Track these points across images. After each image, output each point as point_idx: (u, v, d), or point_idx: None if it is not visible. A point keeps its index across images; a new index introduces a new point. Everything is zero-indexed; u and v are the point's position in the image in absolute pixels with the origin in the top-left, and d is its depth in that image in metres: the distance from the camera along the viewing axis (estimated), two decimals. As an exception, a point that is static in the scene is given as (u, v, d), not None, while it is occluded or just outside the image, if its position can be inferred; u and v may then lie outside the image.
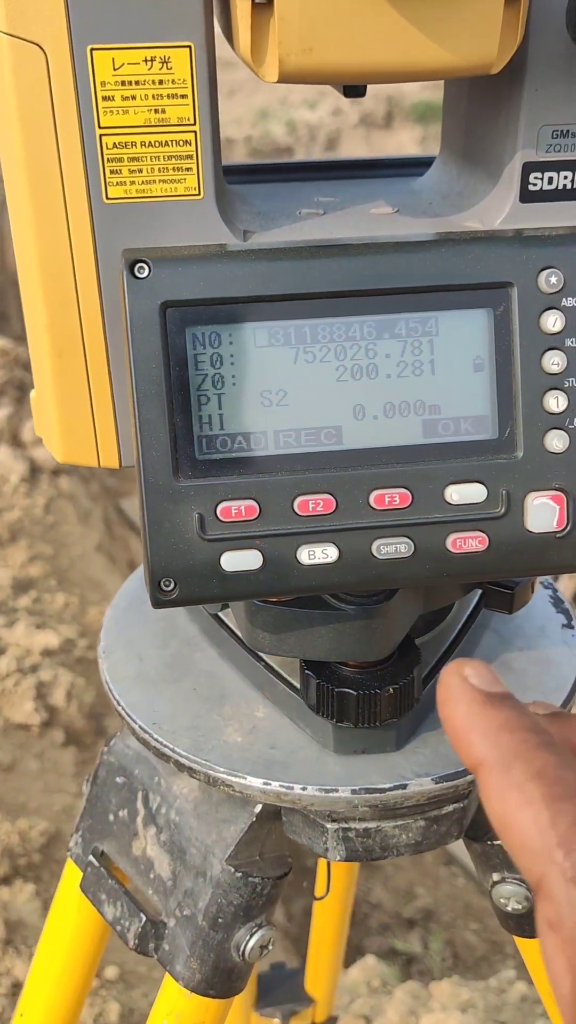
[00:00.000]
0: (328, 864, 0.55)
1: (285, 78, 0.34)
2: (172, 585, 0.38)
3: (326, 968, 0.94)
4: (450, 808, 0.47)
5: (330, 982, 0.95)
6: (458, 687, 0.28)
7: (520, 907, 0.51)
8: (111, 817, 0.53)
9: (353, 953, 1.54)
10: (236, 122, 4.05)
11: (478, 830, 0.51)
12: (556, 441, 0.38)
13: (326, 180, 0.49)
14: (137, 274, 0.36)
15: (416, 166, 0.49)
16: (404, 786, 0.44)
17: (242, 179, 0.49)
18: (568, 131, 0.39)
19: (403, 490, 0.38)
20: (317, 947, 0.93)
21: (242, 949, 0.48)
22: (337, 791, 0.44)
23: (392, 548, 0.38)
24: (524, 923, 0.53)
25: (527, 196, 0.40)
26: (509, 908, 0.51)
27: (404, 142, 4.05)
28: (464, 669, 0.28)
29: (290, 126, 4.06)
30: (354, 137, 4.06)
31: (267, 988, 0.96)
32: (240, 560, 0.38)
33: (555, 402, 0.38)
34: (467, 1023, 1.33)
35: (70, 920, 0.56)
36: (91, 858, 0.54)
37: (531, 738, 0.25)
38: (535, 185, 0.39)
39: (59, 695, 1.75)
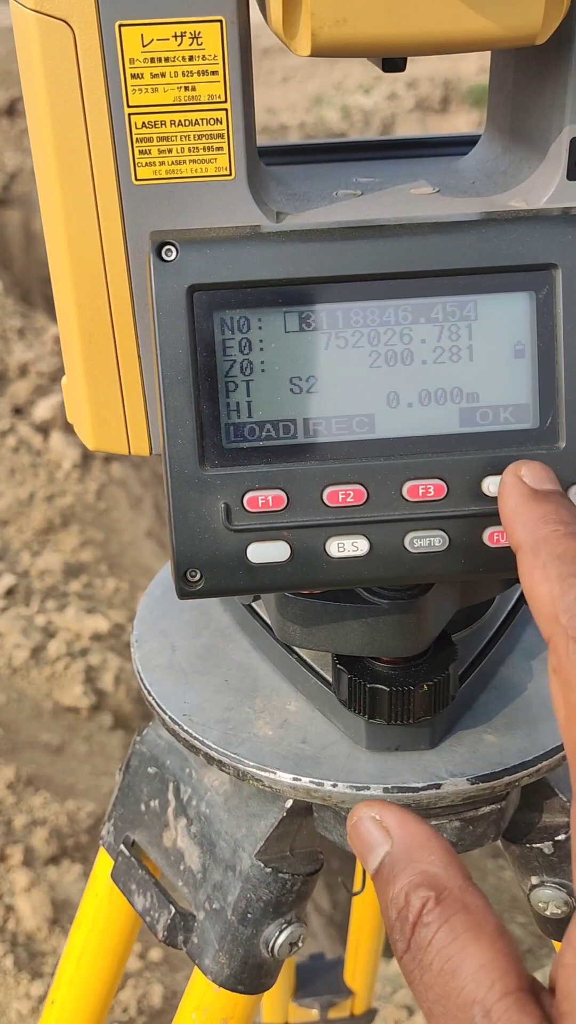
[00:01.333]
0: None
1: (318, 51, 0.33)
2: (198, 576, 0.37)
3: (365, 960, 0.93)
4: (487, 809, 0.45)
5: (369, 974, 0.94)
6: (511, 484, 0.33)
7: (560, 911, 0.50)
8: (142, 807, 0.53)
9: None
10: (290, 108, 4.03)
11: (516, 832, 0.49)
12: None
13: (367, 161, 0.48)
14: (164, 257, 0.35)
15: (461, 144, 0.48)
16: (438, 786, 0.43)
17: (279, 160, 0.47)
18: None
19: (438, 481, 0.37)
20: (356, 939, 0.92)
21: (271, 945, 0.48)
22: (369, 788, 0.43)
23: (426, 542, 0.37)
24: (563, 927, 0.51)
25: (575, 173, 0.38)
26: (547, 912, 0.50)
27: (460, 127, 3.98)
28: (521, 469, 0.33)
29: (344, 112, 4.02)
30: (409, 122, 4.00)
31: (306, 979, 0.96)
32: (267, 552, 0.37)
33: None
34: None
35: (102, 909, 0.56)
36: (122, 847, 0.53)
37: (561, 528, 0.30)
38: None
39: (108, 679, 1.77)
